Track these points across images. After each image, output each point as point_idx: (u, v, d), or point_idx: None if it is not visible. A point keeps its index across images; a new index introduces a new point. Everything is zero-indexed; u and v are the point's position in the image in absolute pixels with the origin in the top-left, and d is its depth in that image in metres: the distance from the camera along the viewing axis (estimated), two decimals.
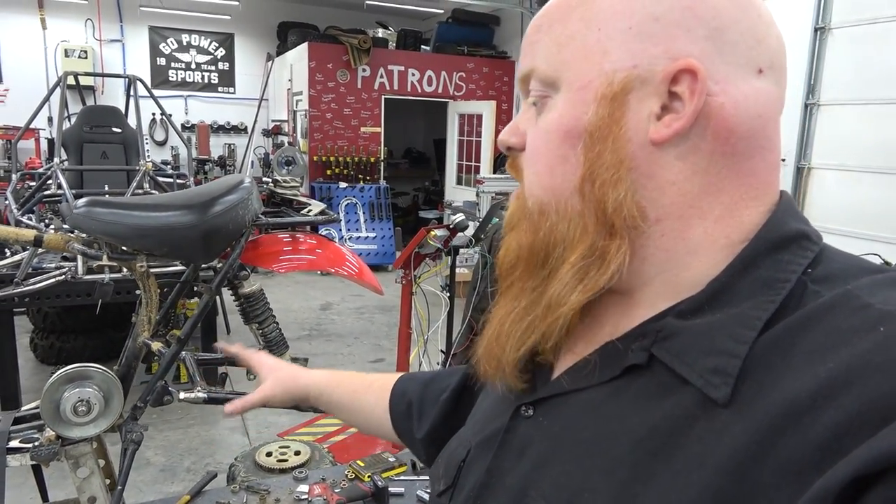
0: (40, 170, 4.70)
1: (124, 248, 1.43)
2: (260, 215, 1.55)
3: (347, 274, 1.69)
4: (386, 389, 0.92)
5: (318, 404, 0.99)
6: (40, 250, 2.35)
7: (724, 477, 0.41)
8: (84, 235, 1.44)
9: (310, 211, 1.78)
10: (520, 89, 0.60)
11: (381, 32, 8.85)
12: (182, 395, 1.48)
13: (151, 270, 1.50)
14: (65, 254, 1.52)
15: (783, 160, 5.05)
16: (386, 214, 8.06)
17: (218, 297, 4.39)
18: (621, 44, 0.51)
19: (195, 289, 1.56)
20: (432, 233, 3.15)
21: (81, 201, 1.42)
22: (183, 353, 1.66)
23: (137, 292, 1.55)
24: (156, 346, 1.50)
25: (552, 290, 0.53)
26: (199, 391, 1.49)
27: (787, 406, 0.41)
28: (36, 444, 1.37)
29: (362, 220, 7.91)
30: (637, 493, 0.46)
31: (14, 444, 1.37)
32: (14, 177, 4.20)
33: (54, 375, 1.40)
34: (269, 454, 3.01)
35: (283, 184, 1.83)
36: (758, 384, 0.44)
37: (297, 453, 3.00)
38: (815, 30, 4.81)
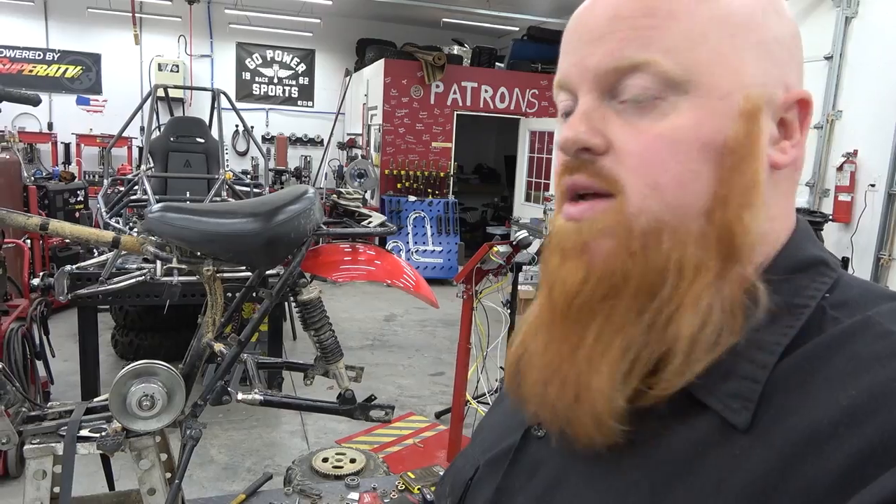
0: (129, 176, 4.98)
1: (193, 251, 1.51)
2: (321, 225, 1.60)
3: (404, 286, 1.71)
4: None
5: None
6: (123, 252, 2.50)
7: (743, 503, 0.41)
8: (158, 239, 1.53)
9: (370, 222, 1.82)
10: (591, 83, 0.50)
11: (456, 49, 8.96)
12: (240, 396, 1.53)
13: (218, 274, 1.57)
14: (143, 256, 1.61)
15: (872, 185, 4.81)
16: (453, 229, 8.11)
17: (286, 304, 4.53)
18: (754, 58, 0.48)
19: (258, 294, 1.61)
20: (495, 248, 3.14)
21: (156, 206, 1.51)
22: (245, 355, 1.72)
23: (204, 295, 1.63)
24: (218, 347, 1.56)
25: (681, 327, 0.46)
26: (256, 393, 1.53)
27: (808, 433, 0.40)
28: (103, 434, 1.45)
29: (429, 233, 7.98)
30: None
31: (84, 433, 1.45)
32: (105, 182, 4.48)
33: (123, 370, 1.48)
34: (325, 460, 3.06)
35: (347, 195, 1.88)
36: (778, 410, 0.43)
37: (353, 461, 3.04)
38: None
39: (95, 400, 1.60)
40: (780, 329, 0.46)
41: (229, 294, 1.98)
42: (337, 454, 3.10)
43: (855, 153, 4.90)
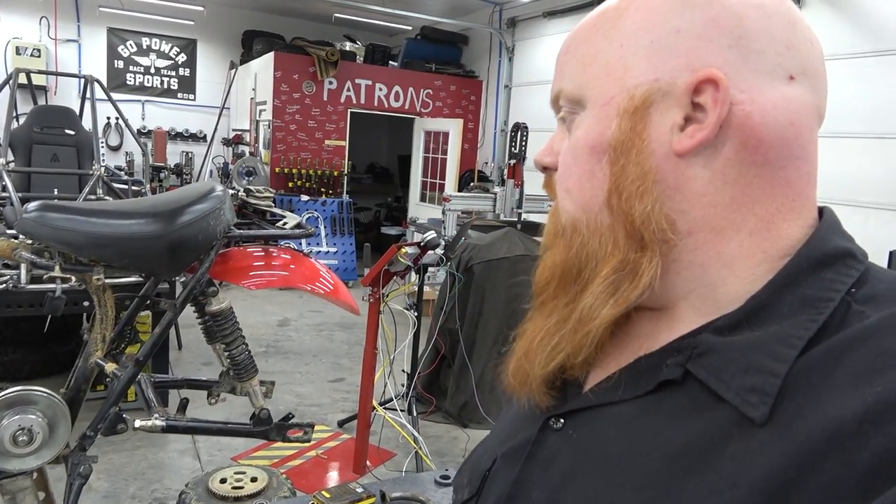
0: None
1: (80, 257, 1.29)
2: (232, 227, 1.43)
3: (323, 292, 1.58)
4: None
5: None
6: None
7: (759, 498, 0.40)
8: (34, 243, 1.30)
9: (285, 223, 1.66)
10: (552, 109, 0.61)
11: (348, 46, 8.77)
12: (138, 423, 1.33)
13: (107, 282, 1.37)
14: (7, 261, 1.36)
15: None
16: (348, 229, 7.91)
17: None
18: (643, 58, 0.51)
19: (157, 305, 1.42)
20: (403, 250, 3.05)
21: (33, 205, 1.28)
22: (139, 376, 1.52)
23: (87, 304, 1.41)
24: (110, 367, 1.35)
25: (583, 304, 0.53)
26: (157, 418, 1.35)
27: (830, 429, 0.40)
28: None
29: (324, 234, 7.74)
30: None
31: None
32: None
33: None
34: (223, 481, 2.83)
35: (256, 194, 1.70)
36: (798, 405, 0.42)
37: (254, 480, 2.83)
38: None
39: None
40: (802, 323, 0.45)
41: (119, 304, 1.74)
42: (236, 473, 2.87)
43: None
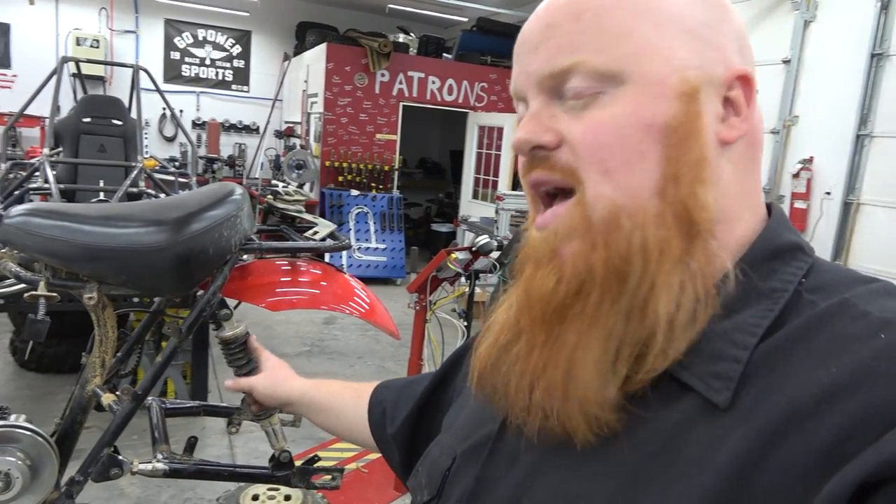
0: (32, 160, 4.38)
1: (71, 272, 1.10)
2: (252, 237, 1.21)
3: (359, 313, 1.36)
4: (365, 393, 0.92)
5: (299, 408, 1.00)
6: None
7: (725, 481, 0.42)
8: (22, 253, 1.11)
9: (316, 233, 1.44)
10: (536, 88, 0.54)
11: (402, 37, 8.56)
12: (137, 467, 1.14)
13: (107, 297, 1.16)
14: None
15: (828, 193, 4.73)
16: (397, 226, 7.72)
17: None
18: (685, 44, 0.51)
19: (163, 329, 1.22)
20: (453, 255, 2.81)
21: (19, 208, 1.09)
22: (149, 399, 1.32)
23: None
24: (107, 398, 1.15)
25: (658, 307, 0.47)
26: (158, 460, 1.15)
27: (789, 410, 0.42)
28: None
29: (372, 230, 7.57)
30: (636, 499, 0.45)
31: None
32: (2, 166, 3.90)
33: None
34: (255, 497, 2.66)
35: (286, 197, 1.49)
36: (759, 389, 0.44)
37: (287, 498, 2.65)
38: (872, 56, 4.46)
39: None
40: (760, 312, 0.48)
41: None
42: (269, 490, 2.70)
43: (811, 160, 4.82)
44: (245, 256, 1.26)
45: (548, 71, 0.52)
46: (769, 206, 0.56)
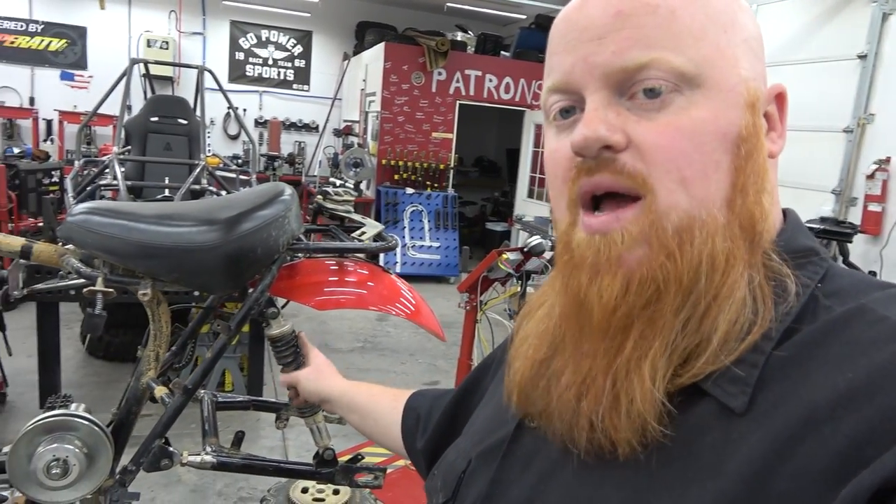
0: (104, 158, 4.59)
1: (128, 268, 1.14)
2: (300, 236, 1.23)
3: (405, 314, 1.36)
4: (401, 399, 0.91)
5: (338, 407, 1.01)
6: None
7: (741, 485, 0.41)
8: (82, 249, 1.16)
9: (363, 234, 1.45)
10: (599, 81, 0.49)
11: (459, 36, 8.56)
12: (186, 458, 1.17)
13: (162, 293, 1.20)
14: (63, 270, 1.22)
15: None
16: (452, 224, 7.73)
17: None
18: (744, 54, 0.51)
19: (212, 326, 1.25)
20: (504, 256, 2.79)
21: (81, 206, 1.14)
22: (201, 391, 1.36)
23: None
24: (159, 391, 1.19)
25: (719, 317, 0.47)
26: (206, 452, 1.18)
27: (806, 415, 0.41)
28: None
29: (427, 228, 7.60)
30: (649, 503, 0.45)
31: None
32: (77, 163, 4.09)
33: (32, 422, 1.11)
34: (304, 490, 2.70)
35: (335, 197, 1.50)
36: (775, 394, 0.44)
37: (336, 493, 2.67)
38: None
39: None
40: (776, 316, 0.47)
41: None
42: (319, 483, 2.74)
43: (888, 160, 4.56)
44: (292, 256, 1.28)
45: (619, 65, 0.48)
46: (784, 212, 0.56)
